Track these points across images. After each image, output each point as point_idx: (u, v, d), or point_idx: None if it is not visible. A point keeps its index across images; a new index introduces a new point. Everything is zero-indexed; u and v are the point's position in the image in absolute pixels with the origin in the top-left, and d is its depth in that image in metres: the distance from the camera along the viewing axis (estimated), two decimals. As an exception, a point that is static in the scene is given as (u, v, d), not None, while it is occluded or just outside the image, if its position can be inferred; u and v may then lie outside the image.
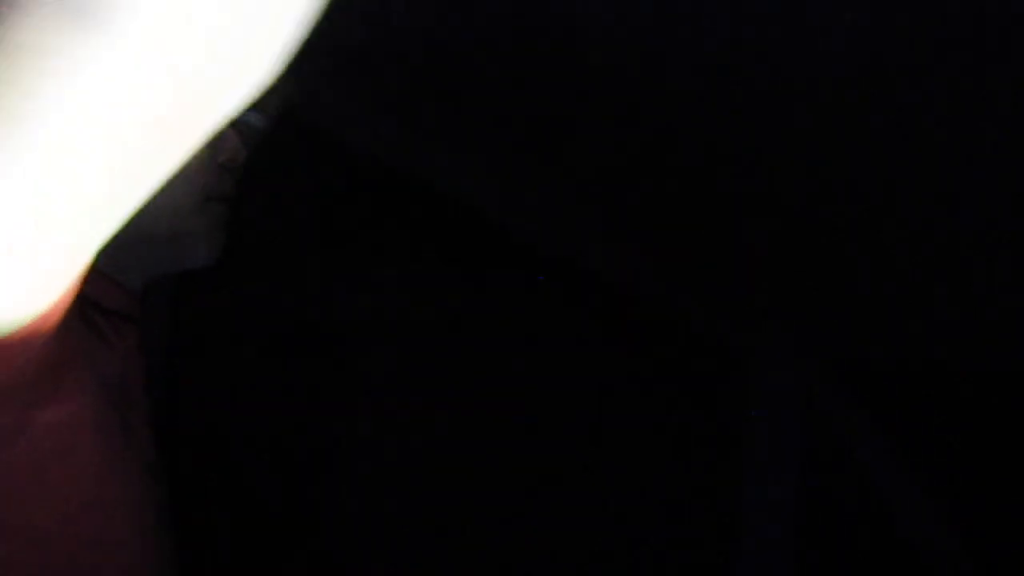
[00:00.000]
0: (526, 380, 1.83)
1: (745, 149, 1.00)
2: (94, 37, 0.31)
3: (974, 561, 1.60)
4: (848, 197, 1.09)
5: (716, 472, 1.78)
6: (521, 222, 1.22)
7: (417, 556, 1.81)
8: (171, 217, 0.86)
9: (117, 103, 0.32)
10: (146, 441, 0.55)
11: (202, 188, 0.91)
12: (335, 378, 1.91)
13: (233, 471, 1.77)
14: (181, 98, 0.34)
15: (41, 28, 0.31)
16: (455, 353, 1.86)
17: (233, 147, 1.02)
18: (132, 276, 0.85)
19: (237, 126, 1.24)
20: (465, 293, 1.81)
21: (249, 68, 0.34)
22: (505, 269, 1.73)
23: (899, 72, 0.78)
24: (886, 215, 1.11)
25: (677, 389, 1.77)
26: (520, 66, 0.87)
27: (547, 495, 1.81)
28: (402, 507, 1.85)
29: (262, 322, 1.76)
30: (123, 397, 0.53)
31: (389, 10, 0.77)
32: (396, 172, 1.08)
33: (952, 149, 0.91)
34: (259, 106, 1.24)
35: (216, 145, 0.95)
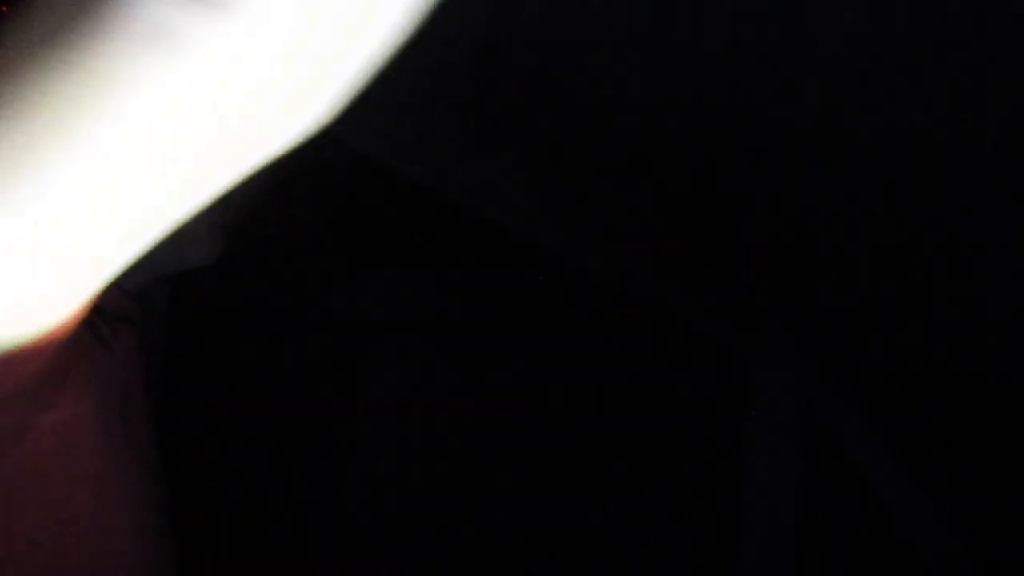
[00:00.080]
0: (526, 380, 1.83)
1: (745, 149, 1.00)
2: (163, 58, 0.31)
3: (974, 561, 1.60)
4: (848, 197, 1.09)
5: (716, 472, 1.78)
6: (521, 223, 1.22)
7: (417, 556, 1.81)
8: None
9: (172, 127, 0.32)
10: (146, 441, 0.55)
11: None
12: (335, 378, 1.91)
13: (233, 471, 1.77)
14: (236, 128, 0.33)
15: (113, 46, 0.31)
16: (455, 353, 1.86)
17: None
18: (131, 277, 0.85)
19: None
20: (465, 293, 1.81)
21: (312, 101, 0.34)
22: (505, 269, 1.73)
23: (899, 72, 0.77)
24: (886, 215, 1.11)
25: (677, 389, 1.78)
26: (525, 71, 0.86)
27: (547, 495, 1.81)
28: (402, 507, 1.85)
29: (262, 322, 1.76)
30: (123, 398, 0.53)
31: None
32: (397, 174, 1.08)
33: (952, 149, 0.91)
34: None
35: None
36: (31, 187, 0.32)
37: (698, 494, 1.80)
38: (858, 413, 1.68)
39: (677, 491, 1.79)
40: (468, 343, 1.87)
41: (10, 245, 0.33)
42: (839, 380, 1.69)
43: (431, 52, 0.68)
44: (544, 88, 0.89)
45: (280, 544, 1.82)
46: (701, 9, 0.72)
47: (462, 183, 1.11)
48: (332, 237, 1.70)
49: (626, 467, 1.78)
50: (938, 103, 0.82)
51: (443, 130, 1.05)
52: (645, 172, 1.13)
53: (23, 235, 0.33)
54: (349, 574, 1.87)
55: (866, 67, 0.78)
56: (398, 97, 0.94)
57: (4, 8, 0.47)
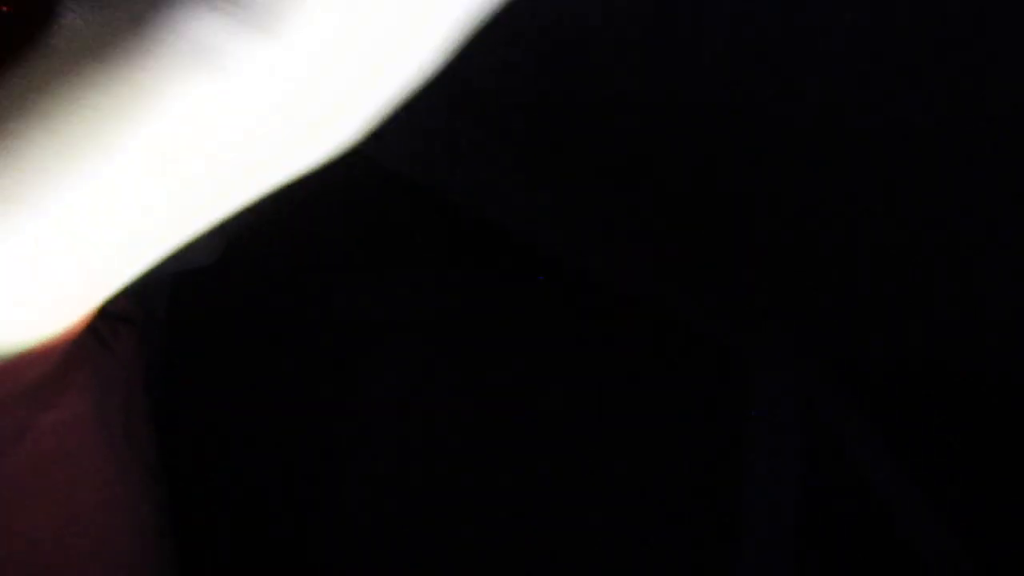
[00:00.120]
0: (526, 380, 1.83)
1: (745, 149, 1.00)
2: (200, 75, 0.31)
3: (974, 561, 1.60)
4: (848, 197, 1.09)
5: (716, 472, 1.78)
6: (521, 223, 1.22)
7: (417, 556, 1.81)
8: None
9: (199, 143, 0.33)
10: (146, 441, 0.55)
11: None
12: (335, 378, 1.91)
13: (233, 471, 1.77)
14: (262, 146, 0.34)
15: (151, 60, 0.31)
16: (455, 353, 1.86)
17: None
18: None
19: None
20: (465, 293, 1.81)
21: (344, 122, 0.34)
22: (505, 269, 1.73)
23: (899, 72, 0.77)
24: (886, 215, 1.11)
25: (677, 389, 1.77)
26: (525, 71, 0.86)
27: (547, 495, 1.81)
28: (402, 507, 1.85)
29: (262, 322, 1.76)
30: (124, 398, 0.53)
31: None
32: (397, 176, 1.08)
33: (952, 149, 0.91)
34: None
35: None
36: (54, 194, 0.32)
37: (698, 494, 1.80)
38: (858, 413, 1.68)
39: (677, 491, 1.79)
40: (468, 343, 1.87)
41: (25, 251, 0.33)
42: (839, 380, 1.69)
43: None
44: (544, 88, 0.89)
45: (280, 544, 1.82)
46: (701, 9, 0.72)
47: (462, 183, 1.11)
48: (332, 237, 1.70)
49: (626, 467, 1.78)
50: (938, 103, 0.82)
51: (443, 130, 1.05)
52: (645, 172, 1.13)
53: (38, 242, 0.33)
54: (349, 574, 1.88)
55: (866, 67, 0.78)
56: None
57: (4, 8, 0.47)
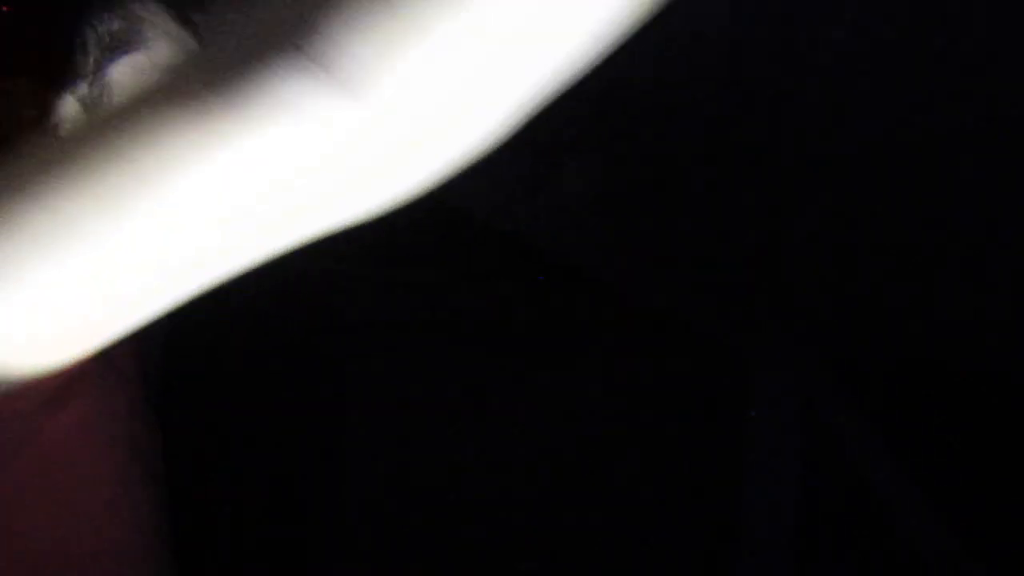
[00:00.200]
0: (526, 380, 1.83)
1: (745, 149, 1.00)
2: (273, 129, 0.31)
3: (974, 561, 1.60)
4: (848, 197, 1.09)
5: (716, 472, 1.78)
6: (522, 224, 1.22)
7: (417, 555, 1.81)
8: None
9: (253, 192, 0.33)
10: (147, 443, 0.55)
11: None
12: (335, 379, 1.91)
13: (233, 471, 1.77)
14: (313, 199, 0.34)
15: (235, 111, 0.31)
16: (454, 353, 1.86)
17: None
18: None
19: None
20: (465, 294, 1.81)
21: (409, 176, 0.35)
22: (505, 270, 1.73)
23: (899, 72, 0.77)
24: (886, 215, 1.11)
25: (678, 390, 1.78)
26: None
27: (546, 495, 1.81)
28: (401, 507, 1.85)
29: (261, 323, 1.76)
30: (124, 400, 0.53)
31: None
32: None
33: (952, 149, 0.91)
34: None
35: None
36: (106, 229, 0.32)
37: (698, 494, 1.80)
38: (858, 413, 1.68)
39: (677, 491, 1.79)
40: (468, 343, 1.87)
41: (64, 285, 0.33)
42: (839, 380, 1.69)
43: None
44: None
45: (280, 544, 1.82)
46: (701, 9, 0.72)
47: (461, 184, 1.11)
48: (332, 238, 1.69)
49: (626, 467, 1.78)
50: (938, 103, 0.82)
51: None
52: (644, 174, 1.12)
53: (65, 284, 0.33)
54: (349, 574, 1.88)
55: (866, 67, 0.78)
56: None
57: (4, 8, 0.47)
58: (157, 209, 0.33)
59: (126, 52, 0.47)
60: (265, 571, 1.76)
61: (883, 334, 1.59)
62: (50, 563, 0.44)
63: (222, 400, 1.77)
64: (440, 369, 1.85)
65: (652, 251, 1.39)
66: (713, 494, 1.74)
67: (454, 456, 1.82)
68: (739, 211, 1.20)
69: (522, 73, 0.32)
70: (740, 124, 0.94)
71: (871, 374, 1.67)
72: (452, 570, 1.79)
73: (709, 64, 0.81)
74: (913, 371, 1.61)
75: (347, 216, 0.35)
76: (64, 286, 0.35)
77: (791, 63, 0.80)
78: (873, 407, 1.66)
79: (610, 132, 0.99)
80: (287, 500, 1.83)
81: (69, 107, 0.45)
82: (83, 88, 0.46)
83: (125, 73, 0.46)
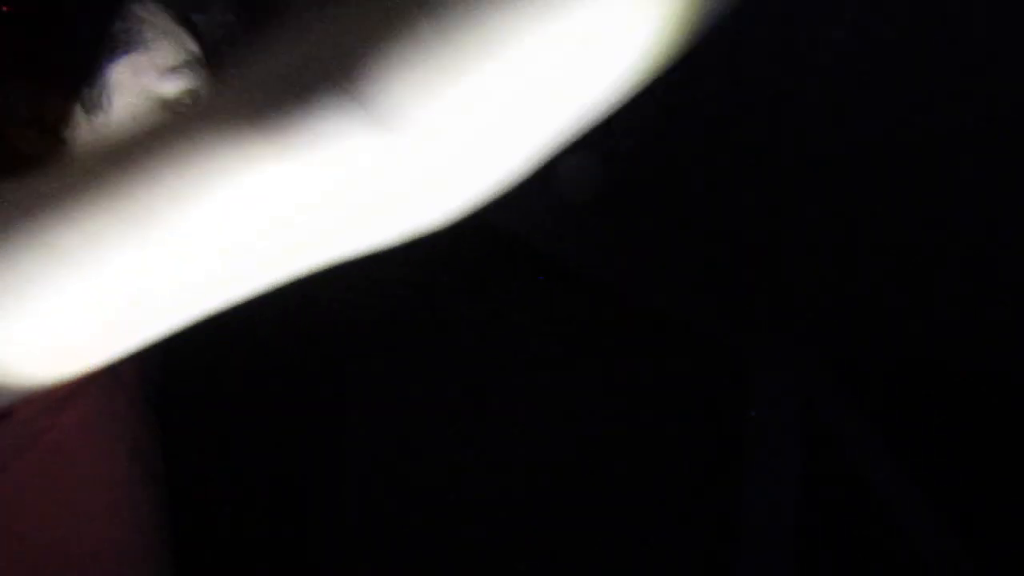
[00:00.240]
0: (526, 380, 1.83)
1: (746, 150, 1.00)
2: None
3: (974, 561, 1.60)
4: (848, 197, 1.09)
5: (716, 472, 1.78)
6: (522, 224, 1.22)
7: (416, 555, 1.81)
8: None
9: (274, 221, 0.33)
10: (147, 443, 0.55)
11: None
12: (334, 379, 1.91)
13: (233, 471, 1.77)
14: (322, 228, 0.34)
15: (268, 145, 0.31)
16: (454, 353, 1.86)
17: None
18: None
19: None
20: (465, 295, 1.81)
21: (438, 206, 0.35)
22: (505, 271, 1.73)
23: (899, 72, 0.77)
24: (886, 215, 1.11)
25: (678, 390, 1.78)
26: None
27: (547, 495, 1.81)
28: (401, 507, 1.85)
29: (260, 323, 1.76)
30: (124, 401, 0.54)
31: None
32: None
33: (952, 149, 0.91)
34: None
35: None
36: (121, 250, 0.33)
37: (698, 494, 1.80)
38: (858, 413, 1.68)
39: (677, 491, 1.79)
40: (468, 343, 1.87)
41: (84, 301, 0.34)
42: (839, 380, 1.69)
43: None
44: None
45: (280, 544, 1.82)
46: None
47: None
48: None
49: (626, 467, 1.79)
50: (938, 103, 0.82)
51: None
52: (644, 174, 1.12)
53: (99, 294, 0.33)
54: (349, 574, 1.88)
55: (866, 67, 0.78)
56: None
57: (3, 8, 0.47)
58: (185, 232, 0.34)
59: (126, 52, 0.47)
60: (265, 571, 1.76)
61: (883, 334, 1.59)
62: (50, 563, 0.44)
63: (222, 400, 1.77)
64: (440, 369, 1.85)
65: (652, 251, 1.39)
66: (713, 494, 1.74)
67: (454, 456, 1.82)
68: (739, 211, 1.20)
69: (546, 117, 0.33)
70: (740, 124, 0.94)
71: (871, 374, 1.67)
72: (452, 570, 1.79)
73: (709, 64, 0.81)
74: (913, 371, 1.61)
75: (367, 243, 0.36)
76: (78, 303, 0.35)
77: (791, 63, 0.80)
78: (873, 407, 1.66)
79: (609, 132, 0.99)
80: (287, 500, 1.83)
81: (68, 107, 0.45)
82: (83, 88, 0.46)
83: (125, 73, 0.47)
